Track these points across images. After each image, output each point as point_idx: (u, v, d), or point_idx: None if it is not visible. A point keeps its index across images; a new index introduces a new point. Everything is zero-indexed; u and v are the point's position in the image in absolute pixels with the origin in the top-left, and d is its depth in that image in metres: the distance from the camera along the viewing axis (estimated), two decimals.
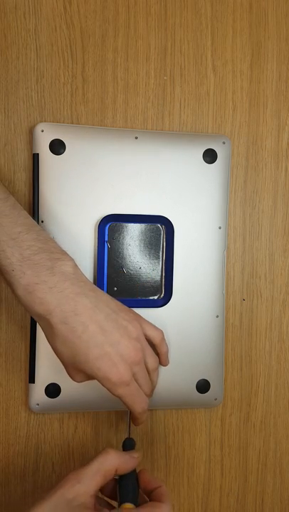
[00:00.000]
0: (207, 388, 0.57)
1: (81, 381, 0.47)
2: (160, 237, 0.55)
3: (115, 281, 0.54)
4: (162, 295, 0.55)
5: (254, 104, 0.59)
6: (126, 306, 0.48)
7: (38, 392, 0.53)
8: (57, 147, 0.52)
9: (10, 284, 0.44)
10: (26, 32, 0.54)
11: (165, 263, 0.55)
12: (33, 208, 0.53)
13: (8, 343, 0.55)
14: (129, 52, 0.56)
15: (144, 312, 0.54)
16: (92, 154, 0.53)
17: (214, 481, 0.60)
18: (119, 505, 0.45)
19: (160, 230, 0.55)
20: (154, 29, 0.57)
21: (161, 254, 0.55)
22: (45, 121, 0.54)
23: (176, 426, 0.59)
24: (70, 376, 0.47)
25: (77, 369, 0.45)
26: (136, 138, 0.54)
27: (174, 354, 0.55)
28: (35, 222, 0.46)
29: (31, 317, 0.53)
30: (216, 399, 0.58)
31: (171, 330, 0.55)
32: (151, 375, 0.50)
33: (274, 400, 0.61)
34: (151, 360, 0.49)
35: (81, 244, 0.53)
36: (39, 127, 0.53)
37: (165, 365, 0.53)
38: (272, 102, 0.60)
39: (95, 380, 0.45)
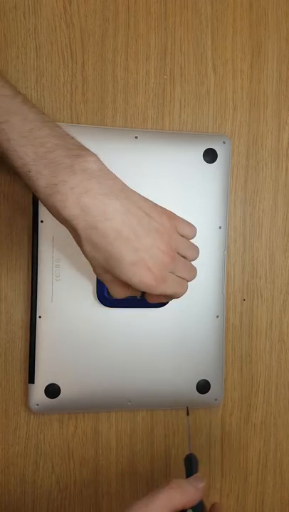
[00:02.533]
0: (207, 388, 0.57)
1: (108, 280, 0.44)
2: None
3: None
4: None
5: (254, 103, 0.59)
6: (158, 206, 0.45)
7: (37, 393, 0.53)
8: None
9: (31, 188, 0.40)
10: (26, 31, 0.53)
11: None
12: (33, 208, 0.52)
13: (8, 343, 0.55)
14: (129, 51, 0.56)
15: (144, 312, 0.54)
16: None
17: (214, 482, 0.60)
18: None
19: None
20: (154, 28, 0.56)
21: None
22: None
23: (177, 426, 0.59)
24: (98, 276, 0.44)
25: (107, 272, 0.43)
26: (136, 137, 0.54)
27: (174, 354, 0.55)
28: (49, 118, 0.41)
29: (31, 315, 0.53)
30: (216, 399, 0.58)
31: (171, 330, 0.55)
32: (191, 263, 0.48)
33: (274, 400, 0.61)
34: (190, 252, 0.47)
35: None
36: None
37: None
38: (272, 101, 0.60)
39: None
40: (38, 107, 0.54)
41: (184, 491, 0.43)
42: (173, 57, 0.57)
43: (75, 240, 0.42)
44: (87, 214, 0.39)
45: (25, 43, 0.53)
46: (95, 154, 0.41)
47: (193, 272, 0.47)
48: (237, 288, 0.60)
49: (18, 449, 0.55)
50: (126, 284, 0.44)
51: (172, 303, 0.55)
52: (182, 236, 0.46)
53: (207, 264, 0.56)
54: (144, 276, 0.42)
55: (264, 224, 0.60)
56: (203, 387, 0.56)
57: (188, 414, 0.53)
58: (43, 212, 0.52)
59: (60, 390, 0.53)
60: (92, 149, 0.53)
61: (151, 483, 0.58)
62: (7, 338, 0.55)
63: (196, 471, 0.47)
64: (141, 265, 0.41)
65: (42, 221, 0.52)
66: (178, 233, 0.46)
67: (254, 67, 0.59)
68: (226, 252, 0.57)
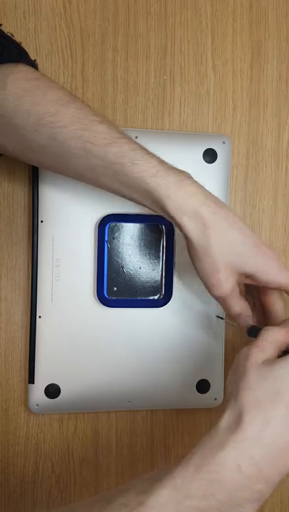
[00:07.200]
0: (207, 388, 0.57)
1: (230, 289, 0.45)
2: (160, 237, 0.55)
3: (115, 281, 0.54)
4: (162, 295, 0.55)
5: (254, 103, 0.59)
6: None
7: (37, 393, 0.53)
8: None
9: (152, 192, 0.43)
10: (26, 31, 0.53)
11: (165, 263, 0.55)
12: (33, 208, 0.52)
13: (8, 343, 0.55)
14: (129, 51, 0.56)
15: (144, 312, 0.54)
16: None
17: None
18: None
19: (160, 230, 0.55)
20: (154, 28, 0.56)
21: (161, 254, 0.55)
22: None
23: (176, 426, 0.59)
24: (219, 283, 0.45)
25: (232, 269, 0.44)
26: (136, 137, 0.54)
27: (174, 354, 0.55)
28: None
29: (31, 315, 0.53)
30: (216, 399, 0.58)
31: (171, 330, 0.55)
32: None
33: None
34: None
35: (81, 244, 0.53)
36: None
37: None
38: (272, 101, 0.60)
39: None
40: None
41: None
42: (173, 57, 0.57)
43: (199, 238, 0.43)
44: (211, 200, 0.43)
45: (25, 43, 0.53)
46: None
47: None
48: None
49: (18, 449, 0.55)
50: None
51: (172, 303, 0.55)
52: None
53: None
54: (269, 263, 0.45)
55: (264, 224, 0.60)
56: (203, 387, 0.56)
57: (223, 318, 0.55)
58: (43, 212, 0.52)
59: (60, 390, 0.53)
60: None
61: None
62: (7, 338, 0.55)
63: None
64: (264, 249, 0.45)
65: (42, 221, 0.52)
66: None
67: (254, 67, 0.59)
68: None
